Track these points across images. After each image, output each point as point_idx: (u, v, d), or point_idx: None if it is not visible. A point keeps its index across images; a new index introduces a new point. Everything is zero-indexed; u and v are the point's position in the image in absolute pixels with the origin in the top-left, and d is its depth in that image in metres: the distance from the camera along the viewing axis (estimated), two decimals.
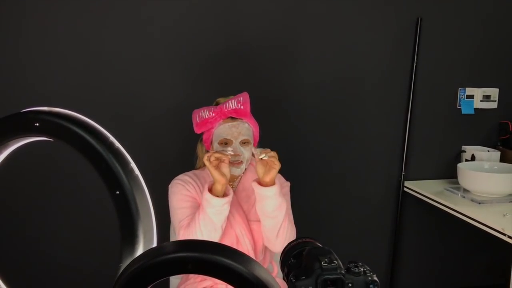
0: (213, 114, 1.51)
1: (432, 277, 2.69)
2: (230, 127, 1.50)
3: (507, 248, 1.97)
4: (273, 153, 1.37)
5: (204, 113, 1.52)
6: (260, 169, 1.40)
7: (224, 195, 1.40)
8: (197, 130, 1.54)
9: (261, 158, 1.36)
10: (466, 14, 2.44)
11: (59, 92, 2.04)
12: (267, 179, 1.39)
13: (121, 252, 0.74)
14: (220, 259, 0.65)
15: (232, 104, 1.49)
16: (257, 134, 1.59)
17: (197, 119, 1.53)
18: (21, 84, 2.01)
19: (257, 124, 1.59)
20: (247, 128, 1.52)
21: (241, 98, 1.50)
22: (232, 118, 1.52)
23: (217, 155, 1.37)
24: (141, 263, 0.66)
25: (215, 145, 1.52)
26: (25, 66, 2.01)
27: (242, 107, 1.49)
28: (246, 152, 1.50)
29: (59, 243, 2.15)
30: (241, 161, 1.50)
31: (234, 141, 1.49)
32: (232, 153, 1.41)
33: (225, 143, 1.49)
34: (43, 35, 2.00)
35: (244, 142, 1.50)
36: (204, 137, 1.58)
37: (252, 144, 1.55)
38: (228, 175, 1.40)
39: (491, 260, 2.72)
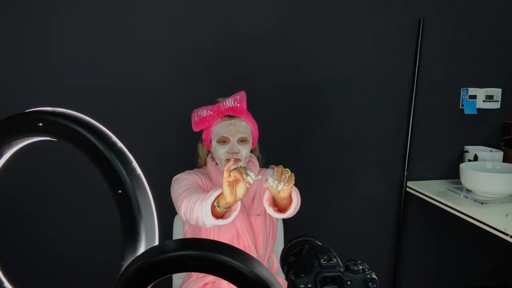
0: (211, 113, 1.53)
1: (435, 277, 2.69)
2: (227, 125, 1.52)
3: (509, 248, 1.97)
4: (289, 178, 1.26)
5: (202, 112, 1.55)
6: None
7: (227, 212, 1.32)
8: (195, 128, 1.57)
9: (279, 191, 1.25)
10: (468, 14, 2.43)
11: (62, 92, 2.05)
12: (283, 195, 1.30)
13: (123, 251, 0.74)
14: (221, 257, 0.66)
15: (229, 102, 1.52)
16: (255, 133, 1.60)
17: (195, 118, 1.56)
18: (25, 84, 2.03)
19: (256, 123, 1.60)
20: (244, 126, 1.54)
21: (238, 97, 1.52)
22: (230, 116, 1.54)
23: (237, 174, 1.19)
24: (143, 261, 0.67)
25: (214, 143, 1.55)
26: (28, 66, 2.02)
27: (238, 105, 1.51)
28: (244, 150, 1.52)
29: (61, 241, 2.16)
30: (239, 159, 1.51)
31: (231, 139, 1.51)
32: (255, 179, 1.21)
33: (223, 141, 1.51)
34: (45, 35, 2.01)
35: (242, 140, 1.52)
36: (203, 136, 1.60)
37: (251, 142, 1.56)
38: (241, 197, 1.24)
39: (494, 260, 2.71)
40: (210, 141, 1.57)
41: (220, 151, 1.51)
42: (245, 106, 1.52)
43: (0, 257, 0.97)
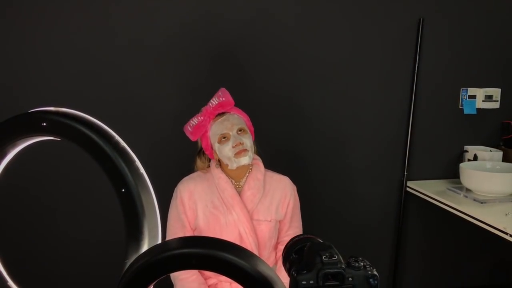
0: (201, 118, 1.55)
1: (435, 276, 2.69)
2: (222, 121, 1.53)
3: (509, 248, 1.98)
4: None
5: (193, 121, 1.56)
6: None
7: None
8: (193, 138, 1.57)
9: None
10: (468, 14, 2.44)
11: (66, 92, 2.05)
12: None
13: (127, 249, 0.75)
14: (224, 254, 0.66)
15: (214, 101, 1.54)
16: (249, 123, 1.61)
17: (189, 129, 1.56)
18: (28, 84, 2.03)
19: (246, 114, 1.62)
20: (237, 118, 1.55)
21: (220, 93, 1.55)
22: (220, 114, 1.55)
23: None
24: (146, 259, 0.68)
25: (216, 146, 1.53)
26: (31, 66, 2.03)
27: (223, 99, 1.53)
28: (246, 140, 1.51)
29: (64, 239, 2.17)
30: (245, 149, 1.50)
31: (230, 133, 1.51)
32: None
33: (224, 137, 1.51)
34: (48, 35, 2.02)
35: (240, 130, 1.53)
36: (204, 145, 1.59)
37: (249, 132, 1.57)
38: None
39: (494, 260, 2.72)
40: (211, 146, 1.57)
41: (226, 149, 1.50)
42: (230, 98, 1.54)
43: (4, 256, 0.98)
